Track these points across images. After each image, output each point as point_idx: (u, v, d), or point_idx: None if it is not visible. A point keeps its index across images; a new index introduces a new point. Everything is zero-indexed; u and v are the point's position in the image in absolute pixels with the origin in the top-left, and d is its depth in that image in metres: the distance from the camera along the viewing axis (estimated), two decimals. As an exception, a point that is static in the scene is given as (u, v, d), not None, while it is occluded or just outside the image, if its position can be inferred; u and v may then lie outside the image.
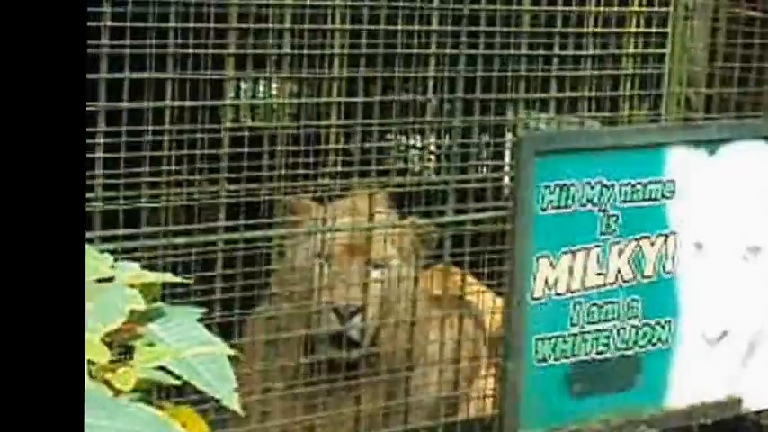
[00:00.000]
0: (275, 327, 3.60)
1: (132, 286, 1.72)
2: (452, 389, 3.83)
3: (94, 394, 1.57)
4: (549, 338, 3.57)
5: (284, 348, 3.62)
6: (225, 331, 3.37)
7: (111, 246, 3.16)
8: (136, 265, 1.77)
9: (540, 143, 3.45)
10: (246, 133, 3.37)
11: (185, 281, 1.97)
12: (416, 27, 3.52)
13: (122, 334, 1.70)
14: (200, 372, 1.70)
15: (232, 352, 1.71)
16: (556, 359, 3.59)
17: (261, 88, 4.97)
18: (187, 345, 1.72)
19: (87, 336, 1.63)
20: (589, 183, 3.54)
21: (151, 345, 1.70)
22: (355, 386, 3.67)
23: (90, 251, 1.76)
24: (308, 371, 3.62)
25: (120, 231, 3.20)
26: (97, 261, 1.71)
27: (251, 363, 3.53)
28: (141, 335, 1.72)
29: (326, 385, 3.58)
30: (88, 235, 3.11)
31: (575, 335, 3.60)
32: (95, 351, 1.64)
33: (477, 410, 3.92)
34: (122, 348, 1.72)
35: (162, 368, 1.70)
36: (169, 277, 1.77)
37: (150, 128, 3.21)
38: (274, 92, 4.78)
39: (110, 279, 1.68)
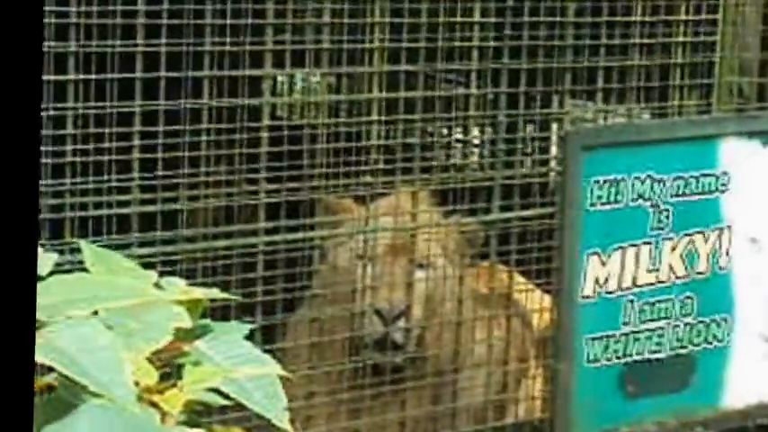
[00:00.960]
0: (317, 330, 3.56)
1: (178, 303, 1.68)
2: (500, 391, 3.78)
3: (141, 418, 1.53)
4: (601, 338, 3.53)
5: (326, 352, 3.59)
6: (266, 335, 3.34)
7: (149, 250, 3.14)
8: (181, 281, 1.73)
9: (588, 137, 3.40)
10: (286, 132, 3.32)
11: (232, 297, 1.93)
12: (459, 19, 3.46)
13: (169, 353, 1.66)
14: (250, 391, 1.66)
15: (283, 372, 1.67)
16: (608, 359, 3.54)
17: (299, 84, 4.94)
18: (235, 362, 1.67)
19: (133, 356, 1.59)
20: (639, 177, 3.49)
21: (198, 363, 1.66)
22: (400, 390, 3.63)
23: (135, 268, 1.72)
24: (352, 375, 3.58)
25: (159, 234, 3.17)
26: (140, 279, 1.67)
27: (292, 367, 3.49)
28: (187, 353, 1.68)
29: (371, 390, 3.54)
30: (125, 239, 3.08)
31: (627, 334, 3.55)
32: (142, 372, 1.60)
33: (525, 413, 3.87)
34: (169, 368, 1.68)
35: (212, 388, 1.66)
36: (216, 293, 1.73)
37: (188, 128, 3.18)
38: (314, 88, 4.74)
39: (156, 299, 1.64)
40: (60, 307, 1.53)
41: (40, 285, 1.51)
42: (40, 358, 1.48)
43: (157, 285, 1.70)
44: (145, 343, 1.62)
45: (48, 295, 1.53)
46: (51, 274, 1.61)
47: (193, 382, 1.63)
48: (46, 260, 1.66)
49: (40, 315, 1.47)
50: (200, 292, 1.69)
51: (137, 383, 1.60)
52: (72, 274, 1.61)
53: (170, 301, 1.65)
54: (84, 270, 1.73)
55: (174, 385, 1.64)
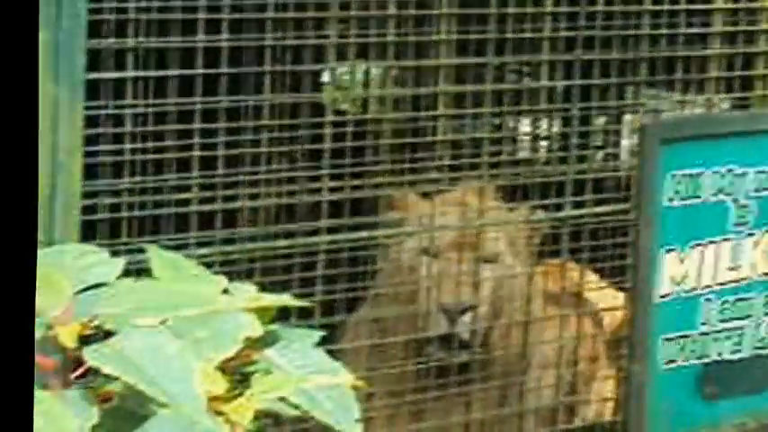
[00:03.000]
0: (378, 329, 3.55)
1: (247, 310, 1.67)
2: (569, 392, 3.75)
3: (211, 429, 1.52)
4: (678, 338, 3.48)
5: (388, 352, 3.57)
6: (328, 336, 3.33)
7: (207, 250, 3.14)
8: (251, 287, 1.72)
9: (666, 130, 3.36)
10: (349, 128, 3.31)
11: (305, 304, 1.92)
12: (529, 9, 3.43)
13: (238, 361, 1.65)
14: (321, 401, 1.64)
15: (355, 380, 1.65)
16: (685, 360, 3.50)
17: (362, 77, 4.93)
18: (306, 371, 1.66)
19: (202, 366, 1.58)
20: (719, 171, 3.44)
21: (267, 372, 1.65)
22: (466, 392, 3.60)
23: (203, 274, 1.71)
24: (416, 375, 3.57)
25: (218, 233, 3.17)
26: (209, 285, 1.67)
27: (352, 367, 3.48)
28: (257, 361, 1.67)
29: (435, 391, 3.53)
30: (183, 239, 3.09)
31: (705, 334, 3.50)
32: (211, 381, 1.60)
33: (596, 415, 3.84)
34: (238, 376, 1.67)
35: (281, 397, 1.65)
36: (287, 299, 1.72)
37: (249, 124, 3.18)
38: (378, 81, 4.73)
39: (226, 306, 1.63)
40: (128, 315, 1.53)
41: (107, 292, 1.51)
42: (108, 368, 1.47)
43: (226, 291, 1.70)
44: (214, 352, 1.61)
45: (116, 303, 1.53)
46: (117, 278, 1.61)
47: (263, 391, 1.63)
48: (113, 266, 1.66)
49: (108, 324, 1.47)
50: (269, 299, 1.68)
51: (206, 393, 1.60)
52: (139, 281, 1.61)
53: (239, 308, 1.64)
54: (146, 272, 1.72)
55: (243, 395, 1.64)
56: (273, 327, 1.72)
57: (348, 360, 3.57)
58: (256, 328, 1.63)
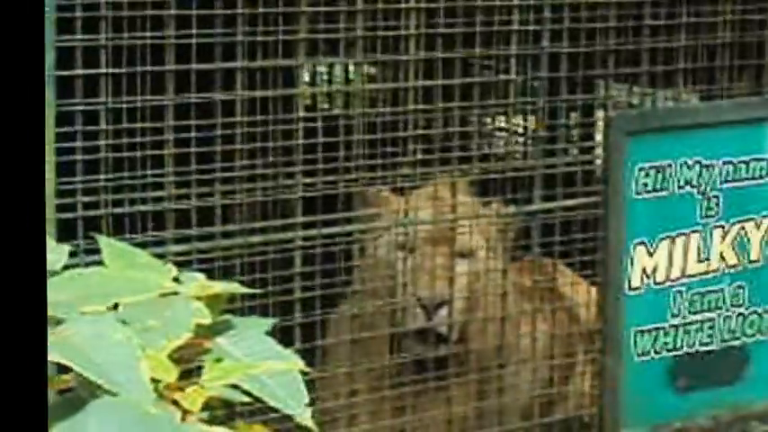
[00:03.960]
0: (359, 325, 3.56)
1: (198, 298, 1.68)
2: (547, 386, 3.76)
3: (161, 416, 1.53)
4: (650, 331, 3.49)
5: (370, 347, 3.59)
6: (306, 332, 3.35)
7: (184, 247, 3.15)
8: (200, 275, 1.74)
9: (632, 122, 3.36)
10: (320, 123, 3.32)
11: (252, 291, 1.93)
12: (497, 2, 3.44)
13: (189, 350, 1.67)
14: (272, 387, 1.66)
15: (304, 366, 1.66)
16: (657, 352, 3.51)
17: (337, 72, 4.94)
18: (257, 359, 1.68)
19: (153, 353, 1.60)
20: (686, 163, 3.44)
21: (219, 360, 1.67)
22: (445, 386, 3.62)
23: (153, 263, 1.72)
24: (395, 371, 3.58)
25: (194, 231, 3.18)
26: (159, 273, 1.68)
27: (336, 365, 3.50)
28: (209, 350, 1.68)
29: (415, 386, 3.54)
30: (160, 236, 3.10)
31: (676, 326, 3.51)
32: (161, 369, 1.61)
33: (574, 408, 3.85)
34: (190, 364, 1.68)
35: (232, 385, 1.66)
36: (236, 287, 1.73)
37: (221, 120, 3.19)
38: (351, 76, 4.73)
39: (174, 292, 1.64)
40: (75, 303, 1.54)
41: (53, 281, 1.52)
42: (54, 356, 1.48)
43: (176, 280, 1.71)
44: (164, 339, 1.62)
45: (62, 291, 1.54)
46: (66, 268, 1.61)
47: (214, 378, 1.64)
48: (60, 253, 1.67)
49: (54, 311, 1.48)
50: (219, 287, 1.69)
51: (157, 381, 1.61)
52: (87, 269, 1.62)
53: (189, 296, 1.66)
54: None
55: (195, 383, 1.65)
56: (225, 316, 1.73)
57: (332, 357, 3.59)
58: (206, 316, 1.64)
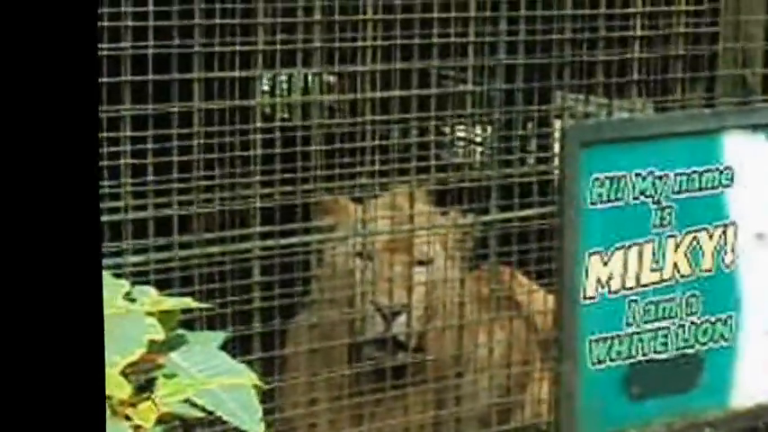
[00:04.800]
0: (318, 335, 3.57)
1: (150, 314, 1.69)
2: (505, 394, 3.79)
3: (114, 432, 1.54)
4: (605, 339, 3.52)
5: (329, 356, 3.60)
6: (265, 342, 3.35)
7: (141, 258, 3.15)
8: (153, 290, 1.74)
9: (587, 133, 3.39)
10: (278, 134, 3.33)
11: (204, 306, 1.94)
12: (453, 14, 3.46)
13: (142, 365, 1.67)
14: (225, 402, 1.67)
15: (257, 381, 1.67)
16: (612, 361, 3.53)
17: (296, 83, 4.95)
18: (210, 374, 1.69)
19: (106, 370, 1.60)
20: (641, 174, 3.47)
21: (172, 375, 1.67)
22: (403, 395, 3.63)
23: (105, 278, 1.73)
24: (354, 380, 3.59)
25: (151, 241, 3.18)
26: (112, 289, 1.68)
27: (295, 374, 3.51)
28: (162, 365, 1.69)
29: (373, 395, 3.55)
30: (118, 246, 3.10)
31: (631, 335, 3.54)
32: (114, 385, 1.61)
33: (532, 416, 3.88)
34: (143, 381, 1.69)
35: (186, 400, 1.67)
36: (189, 302, 1.74)
37: (178, 131, 3.19)
38: (310, 85, 4.74)
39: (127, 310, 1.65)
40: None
41: None
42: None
43: (128, 295, 1.71)
44: (118, 356, 1.63)
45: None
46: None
47: (167, 394, 1.65)
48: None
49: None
50: (172, 302, 1.70)
51: (110, 397, 1.61)
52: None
53: (142, 312, 1.66)
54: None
55: (149, 398, 1.65)
56: (178, 331, 1.73)
57: (292, 366, 3.60)
58: (159, 332, 1.65)
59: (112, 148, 3.11)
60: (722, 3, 3.79)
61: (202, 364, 1.69)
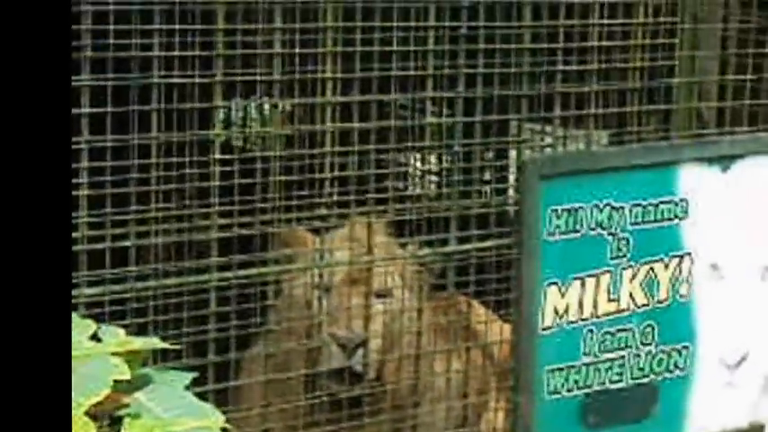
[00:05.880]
0: (273, 365, 3.57)
1: (116, 354, 1.68)
2: (461, 424, 3.80)
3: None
4: (561, 369, 3.53)
5: (284, 387, 3.60)
6: (221, 374, 3.35)
7: (97, 290, 3.14)
8: (120, 330, 1.74)
9: (545, 166, 3.41)
10: (237, 167, 3.33)
11: (171, 347, 1.94)
12: (412, 48, 3.49)
13: (107, 405, 1.67)
14: (191, 443, 1.66)
15: (225, 423, 1.68)
16: (569, 390, 3.55)
17: (253, 114, 4.96)
18: (175, 414, 1.69)
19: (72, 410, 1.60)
20: (598, 205, 3.50)
21: (137, 416, 1.67)
22: (359, 425, 3.64)
23: (73, 319, 1.73)
24: (310, 410, 3.59)
25: (108, 272, 3.18)
26: (79, 330, 1.68)
27: (248, 405, 3.50)
28: (127, 405, 1.69)
29: (329, 425, 3.55)
30: (74, 278, 3.08)
31: (587, 365, 3.56)
32: (80, 426, 1.61)
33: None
34: (108, 421, 1.69)
35: (151, 440, 1.67)
36: (156, 343, 1.74)
37: (136, 162, 3.19)
38: (266, 116, 4.75)
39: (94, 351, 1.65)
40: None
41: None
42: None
43: (95, 335, 1.71)
44: (83, 396, 1.63)
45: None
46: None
47: (133, 435, 1.64)
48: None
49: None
50: (139, 343, 1.70)
51: (75, 437, 1.61)
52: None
53: (107, 352, 1.66)
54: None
55: (114, 438, 1.65)
56: (144, 371, 1.73)
57: (245, 397, 3.59)
58: (124, 372, 1.65)
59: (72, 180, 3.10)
60: (678, 38, 3.84)
61: (168, 404, 1.69)
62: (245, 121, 5.34)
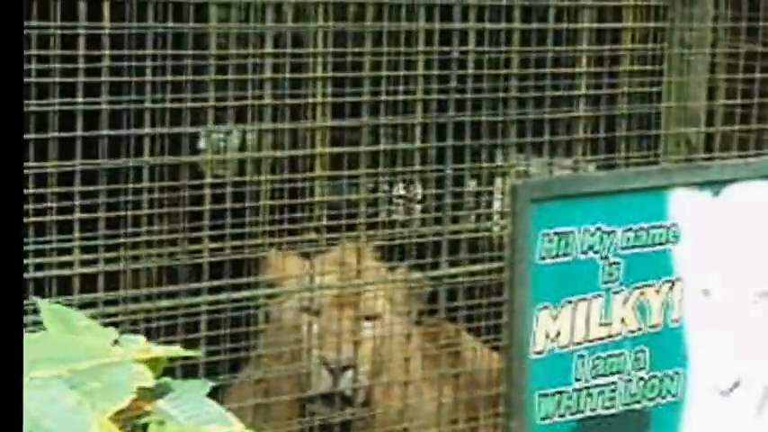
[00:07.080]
0: (262, 390, 3.62)
1: (138, 361, 1.74)
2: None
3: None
4: (553, 394, 3.59)
5: (272, 412, 3.65)
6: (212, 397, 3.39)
7: (90, 311, 3.19)
8: (141, 338, 1.80)
9: (536, 190, 3.48)
10: (229, 189, 3.40)
11: (195, 353, 2.01)
12: (402, 73, 3.57)
13: (131, 412, 1.72)
14: (214, 450, 1.72)
15: (245, 429, 1.73)
16: (560, 416, 3.60)
17: (242, 140, 5.02)
18: (198, 421, 1.74)
19: (96, 417, 1.65)
20: (589, 230, 3.56)
21: (162, 423, 1.73)
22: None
23: (93, 326, 1.78)
24: (300, 435, 3.65)
25: (102, 295, 3.23)
26: (99, 337, 1.74)
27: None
28: (150, 412, 1.74)
29: (318, 450, 3.61)
30: (69, 300, 3.13)
31: (579, 390, 3.61)
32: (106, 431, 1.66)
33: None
34: (131, 427, 1.74)
35: (174, 447, 1.72)
36: (177, 351, 1.80)
37: (130, 186, 3.25)
38: (256, 142, 4.81)
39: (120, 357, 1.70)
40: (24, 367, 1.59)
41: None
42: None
43: (116, 343, 1.77)
44: (107, 403, 1.68)
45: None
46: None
47: (158, 441, 1.70)
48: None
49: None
50: (160, 350, 1.76)
51: (100, 445, 1.66)
52: (33, 334, 1.67)
53: (131, 359, 1.72)
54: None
55: (139, 446, 1.71)
56: (164, 379, 1.79)
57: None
58: (148, 378, 1.71)
59: (64, 203, 3.16)
60: (666, 64, 3.94)
61: (191, 412, 1.74)
62: (224, 146, 5.42)
